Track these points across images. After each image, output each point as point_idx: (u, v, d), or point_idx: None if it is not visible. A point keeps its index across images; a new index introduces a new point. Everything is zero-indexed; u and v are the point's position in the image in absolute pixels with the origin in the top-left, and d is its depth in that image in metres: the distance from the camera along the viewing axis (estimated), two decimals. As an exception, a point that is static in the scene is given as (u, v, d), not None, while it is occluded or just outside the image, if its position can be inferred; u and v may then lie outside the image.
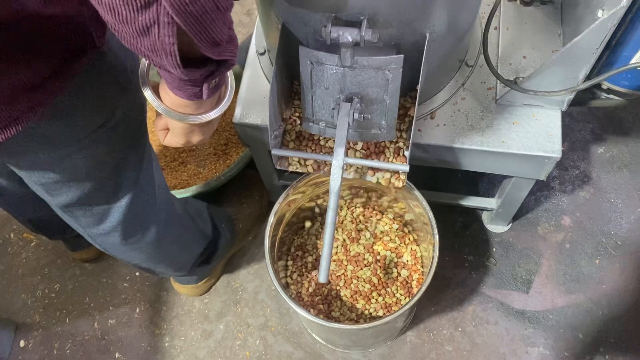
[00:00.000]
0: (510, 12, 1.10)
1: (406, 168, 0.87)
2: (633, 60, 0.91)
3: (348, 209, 1.24)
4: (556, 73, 0.91)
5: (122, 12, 0.45)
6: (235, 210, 1.37)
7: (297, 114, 0.98)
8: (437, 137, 1.00)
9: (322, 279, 0.83)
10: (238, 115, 1.05)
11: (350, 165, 0.95)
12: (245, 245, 1.41)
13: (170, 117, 0.64)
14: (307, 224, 1.25)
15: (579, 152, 1.43)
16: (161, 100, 0.64)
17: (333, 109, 0.87)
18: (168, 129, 0.71)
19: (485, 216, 1.37)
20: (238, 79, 1.16)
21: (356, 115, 0.84)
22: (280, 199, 1.10)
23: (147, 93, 0.65)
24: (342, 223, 1.23)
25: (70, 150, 0.72)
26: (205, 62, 0.55)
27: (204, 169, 1.50)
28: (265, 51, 1.09)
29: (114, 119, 0.73)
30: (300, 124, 0.96)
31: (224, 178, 1.33)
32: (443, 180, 1.39)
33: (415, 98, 0.88)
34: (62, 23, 0.56)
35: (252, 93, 1.07)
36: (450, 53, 0.96)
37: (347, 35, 0.77)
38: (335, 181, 0.85)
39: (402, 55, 0.81)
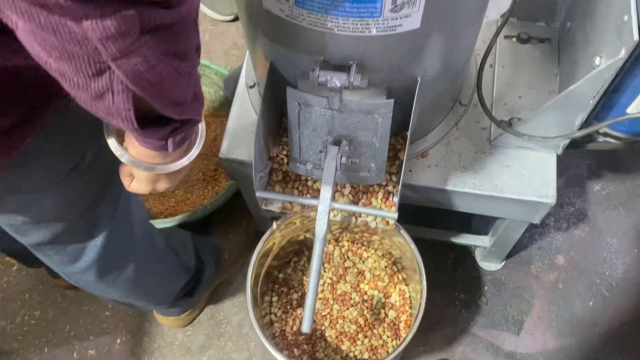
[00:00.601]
0: (506, 50, 1.07)
1: (394, 215, 0.83)
2: (630, 108, 0.88)
3: (337, 243, 1.21)
4: (551, 118, 0.89)
5: (73, 79, 0.42)
6: (222, 239, 1.34)
7: (284, 152, 0.95)
8: (428, 178, 0.97)
9: (305, 328, 0.79)
10: (224, 149, 1.02)
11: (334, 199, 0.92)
12: (231, 275, 1.37)
13: (135, 167, 0.61)
14: (295, 258, 1.22)
15: (575, 188, 1.40)
16: (126, 150, 0.61)
17: (320, 151, 0.84)
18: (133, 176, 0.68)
19: (478, 253, 1.34)
20: (227, 105, 1.13)
21: (344, 160, 0.81)
22: (266, 235, 1.06)
23: (111, 141, 0.61)
24: (329, 260, 1.19)
25: (38, 195, 0.68)
26: (168, 120, 0.52)
27: (192, 195, 1.47)
28: (255, 84, 1.06)
29: (86, 162, 0.70)
30: (288, 163, 0.93)
31: (211, 207, 1.30)
32: (435, 215, 1.36)
33: (407, 139, 0.85)
34: (27, 74, 0.53)
35: (239, 127, 1.04)
36: (443, 93, 0.94)
37: (336, 80, 0.74)
38: (321, 227, 0.82)
39: (392, 100, 0.78)
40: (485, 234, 1.28)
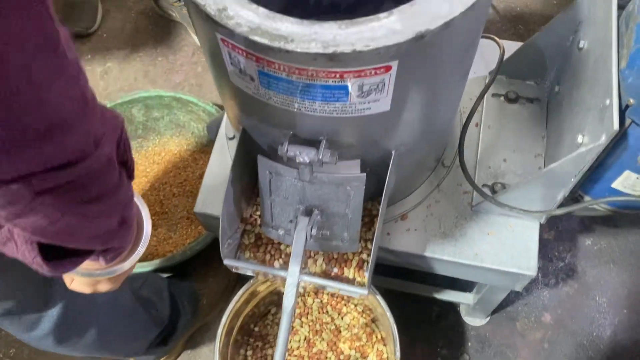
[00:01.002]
0: (493, 109, 1.05)
1: (364, 292, 0.80)
2: (615, 183, 0.85)
3: (316, 295, 1.18)
4: (533, 192, 0.86)
5: None
6: (201, 284, 1.31)
7: (258, 213, 0.92)
8: (406, 243, 0.94)
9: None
10: (199, 203, 0.99)
11: (307, 265, 0.89)
12: (209, 320, 1.34)
13: (72, 273, 0.58)
14: (274, 309, 1.19)
15: (566, 242, 1.37)
16: None
17: (290, 221, 0.82)
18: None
19: (462, 307, 1.31)
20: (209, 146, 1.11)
21: (314, 231, 0.79)
22: (243, 290, 1.04)
23: None
24: (307, 314, 1.16)
25: None
26: (89, 251, 0.48)
27: (174, 234, 1.44)
28: (234, 136, 1.03)
29: None
30: (261, 225, 0.90)
31: (190, 253, 1.27)
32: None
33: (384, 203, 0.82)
34: None
35: (217, 180, 1.01)
36: (423, 158, 0.91)
37: (305, 156, 0.71)
38: (288, 300, 0.79)
39: (364, 174, 0.75)
40: (470, 291, 1.25)
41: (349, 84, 0.60)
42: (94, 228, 0.44)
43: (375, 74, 0.59)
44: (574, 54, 0.89)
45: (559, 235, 1.37)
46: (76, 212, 0.41)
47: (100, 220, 0.44)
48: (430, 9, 0.56)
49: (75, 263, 0.48)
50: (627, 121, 0.73)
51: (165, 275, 1.35)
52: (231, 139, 1.04)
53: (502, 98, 1.05)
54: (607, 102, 0.69)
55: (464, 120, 0.97)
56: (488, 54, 1.10)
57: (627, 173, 0.81)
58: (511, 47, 1.09)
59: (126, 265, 0.61)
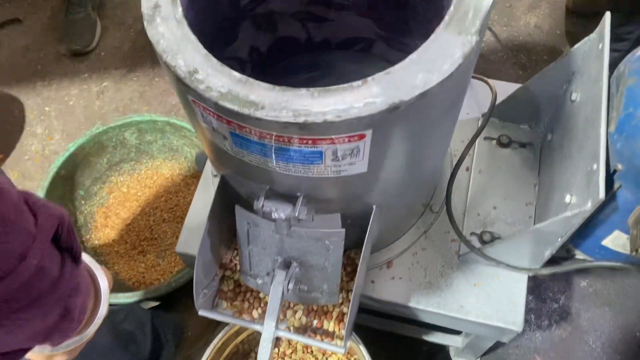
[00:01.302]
0: (485, 153, 1.02)
1: (341, 351, 0.78)
2: (606, 241, 0.83)
3: (302, 333, 1.15)
4: (520, 247, 0.83)
5: None
6: (186, 316, 1.29)
7: (238, 257, 0.90)
8: (390, 292, 0.92)
9: None
10: (181, 243, 0.98)
11: (286, 317, 0.87)
12: (193, 353, 1.32)
13: None
14: (257, 349, 1.16)
15: (561, 283, 1.33)
16: None
17: (267, 274, 0.79)
18: None
19: (452, 348, 1.28)
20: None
21: (291, 286, 0.76)
22: (227, 327, 1.02)
23: None
24: (292, 351, 1.14)
25: None
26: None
27: (163, 261, 1.43)
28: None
29: None
30: (239, 273, 0.88)
31: (175, 285, 1.26)
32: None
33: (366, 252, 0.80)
34: None
35: (200, 218, 0.99)
36: (408, 208, 0.89)
37: (281, 212, 0.69)
38: (263, 355, 0.77)
39: (343, 230, 0.73)
40: (459, 334, 1.22)
41: (322, 150, 0.58)
42: (28, 331, 0.42)
43: (349, 141, 0.57)
44: (567, 105, 0.86)
45: (554, 276, 1.34)
46: (3, 324, 0.39)
47: (35, 322, 0.42)
48: (406, 78, 0.54)
49: (16, 357, 0.46)
50: (616, 184, 0.70)
51: (151, 303, 1.33)
52: (215, 176, 1.02)
53: (494, 142, 1.03)
54: (595, 166, 0.67)
55: (454, 164, 0.95)
56: (481, 95, 1.08)
57: (617, 233, 0.79)
58: (505, 88, 1.06)
59: (83, 337, 0.59)
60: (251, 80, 0.56)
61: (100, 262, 1.42)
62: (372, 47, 1.01)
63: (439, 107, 0.61)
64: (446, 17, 0.57)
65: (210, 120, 0.60)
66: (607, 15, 0.75)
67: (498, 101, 1.00)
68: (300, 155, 0.59)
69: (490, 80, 1.02)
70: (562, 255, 0.98)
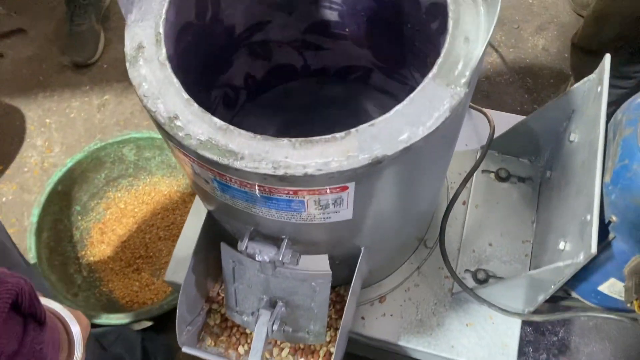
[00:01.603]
0: (482, 187, 1.00)
1: (325, 395, 0.76)
2: (602, 287, 0.80)
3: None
4: (514, 291, 0.81)
5: None
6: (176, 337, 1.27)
7: (226, 290, 0.88)
8: (381, 329, 0.90)
9: None
10: (170, 271, 0.96)
11: (272, 355, 0.85)
12: (185, 375, 1.31)
13: None
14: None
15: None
16: None
17: (252, 313, 0.78)
18: None
19: (446, 379, 1.25)
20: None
21: (275, 327, 0.75)
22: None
23: None
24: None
25: None
26: None
27: (157, 279, 1.41)
28: (210, 201, 1.00)
29: None
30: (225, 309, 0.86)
31: (167, 307, 1.24)
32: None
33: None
34: None
35: (190, 247, 0.97)
36: (399, 247, 0.87)
37: (264, 255, 0.68)
38: (245, 396, 0.75)
39: (330, 272, 0.72)
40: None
41: (305, 200, 0.56)
42: None
43: (332, 192, 0.55)
44: (566, 145, 0.84)
45: (553, 308, 1.31)
46: None
47: None
48: (390, 132, 0.52)
49: None
50: (611, 235, 0.68)
51: (144, 322, 1.31)
52: (208, 203, 1.01)
53: (493, 175, 1.00)
54: (588, 217, 0.65)
55: (450, 197, 0.93)
56: (481, 126, 1.06)
57: (613, 280, 0.76)
58: (506, 119, 1.04)
59: None
60: (231, 128, 0.54)
61: (95, 279, 1.41)
62: (370, 77, 0.99)
63: (426, 158, 0.59)
64: (435, 67, 0.55)
65: (192, 165, 0.59)
66: (607, 58, 0.73)
67: (498, 133, 0.98)
68: (282, 203, 0.58)
69: (489, 112, 1.00)
70: (560, 295, 0.96)
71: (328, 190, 0.55)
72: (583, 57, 1.27)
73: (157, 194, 1.53)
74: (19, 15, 1.89)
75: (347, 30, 0.91)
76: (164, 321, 1.31)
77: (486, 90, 1.66)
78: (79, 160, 1.41)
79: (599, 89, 0.73)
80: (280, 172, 0.51)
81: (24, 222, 1.54)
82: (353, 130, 0.53)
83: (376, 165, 0.52)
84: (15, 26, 1.86)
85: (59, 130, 1.68)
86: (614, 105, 1.08)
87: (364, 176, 0.53)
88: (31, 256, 1.30)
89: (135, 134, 1.45)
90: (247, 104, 1.00)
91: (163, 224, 1.48)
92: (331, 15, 0.88)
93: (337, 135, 0.53)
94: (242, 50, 0.89)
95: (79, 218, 1.47)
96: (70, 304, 1.25)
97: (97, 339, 1.11)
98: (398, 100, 0.54)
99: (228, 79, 0.91)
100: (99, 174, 1.48)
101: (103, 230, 1.48)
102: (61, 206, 1.43)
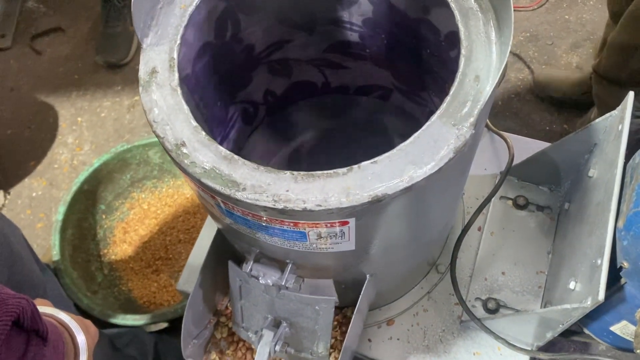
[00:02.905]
0: (499, 214, 0.98)
1: (325, 417, 0.76)
2: (614, 327, 0.78)
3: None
4: (522, 326, 0.80)
5: None
6: (191, 342, 1.29)
7: (235, 304, 0.89)
8: (387, 352, 0.90)
9: None
10: (182, 281, 0.98)
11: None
12: (197, 379, 1.32)
13: None
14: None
15: (577, 345, 1.27)
16: None
17: (256, 332, 0.78)
18: None
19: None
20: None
21: (278, 347, 0.75)
22: None
23: None
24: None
25: None
26: None
27: (175, 281, 1.44)
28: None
29: None
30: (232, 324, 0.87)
31: (182, 311, 1.26)
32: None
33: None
34: None
35: (204, 257, 0.99)
36: (408, 273, 0.86)
37: (268, 278, 0.68)
38: (245, 414, 0.76)
39: (334, 298, 0.71)
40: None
41: (306, 232, 0.57)
42: None
43: (332, 226, 0.55)
44: (585, 179, 0.82)
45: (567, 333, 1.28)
46: None
47: None
48: (392, 170, 0.52)
49: None
50: (622, 280, 0.66)
51: (160, 324, 1.34)
52: (224, 215, 1.02)
53: (510, 202, 0.99)
54: (599, 262, 0.63)
55: (465, 222, 0.92)
56: (501, 151, 1.04)
57: (624, 322, 0.74)
58: (528, 145, 1.02)
59: None
60: (236, 158, 0.55)
61: (115, 278, 1.45)
62: (390, 97, 0.99)
63: (430, 196, 0.58)
64: (443, 105, 0.55)
65: (197, 190, 0.60)
66: (631, 96, 0.71)
67: (520, 158, 0.97)
68: (284, 232, 0.58)
69: (509, 137, 0.98)
70: (573, 330, 0.93)
71: (328, 225, 0.55)
72: (608, 86, 1.24)
73: (180, 197, 1.55)
74: (58, 14, 1.95)
75: (367, 51, 0.90)
76: (178, 324, 1.33)
77: (515, 108, 1.63)
78: (105, 161, 1.44)
79: (619, 127, 0.71)
80: (280, 205, 0.52)
81: (52, 217, 1.58)
82: (355, 166, 0.53)
83: (376, 204, 0.52)
84: (54, 25, 1.91)
85: (89, 129, 1.72)
86: (636, 135, 1.05)
87: (364, 213, 0.53)
88: (55, 253, 1.34)
89: (161, 138, 1.47)
90: (267, 119, 1.01)
91: (184, 226, 1.50)
92: (351, 36, 0.88)
93: (339, 170, 0.53)
94: (262, 68, 0.90)
95: (103, 217, 1.51)
96: (89, 302, 1.29)
97: (111, 339, 1.13)
98: (417, 121, 0.54)
99: (247, 94, 0.92)
100: (125, 175, 1.51)
101: (126, 229, 1.51)
102: (86, 205, 1.47)
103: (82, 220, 1.46)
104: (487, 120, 1.05)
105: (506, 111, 1.62)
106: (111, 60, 1.78)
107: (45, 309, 0.60)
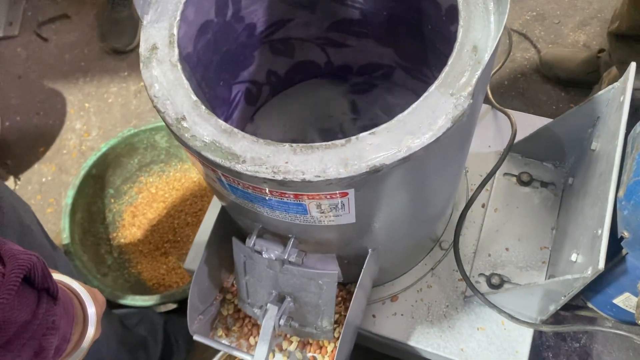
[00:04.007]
0: (503, 190, 0.98)
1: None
2: (617, 300, 0.78)
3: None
4: (525, 300, 0.80)
5: None
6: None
7: (240, 282, 0.91)
8: (391, 328, 0.91)
9: None
10: (189, 259, 0.99)
11: (282, 349, 0.87)
12: (205, 357, 1.35)
13: None
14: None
15: (584, 321, 1.28)
16: None
17: (261, 307, 0.80)
18: None
19: (461, 379, 1.25)
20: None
21: (282, 321, 0.76)
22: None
23: None
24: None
25: None
26: None
27: (183, 263, 1.45)
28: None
29: None
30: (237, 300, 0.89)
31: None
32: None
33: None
34: None
35: (214, 237, 1.00)
36: (411, 249, 0.87)
37: (271, 253, 0.70)
38: (251, 387, 0.77)
39: (336, 272, 0.72)
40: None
41: (306, 204, 0.57)
42: None
43: (332, 197, 0.56)
44: (588, 153, 0.82)
45: (576, 316, 1.28)
46: None
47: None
48: (390, 141, 0.52)
49: None
50: (623, 250, 0.66)
51: (169, 305, 1.36)
52: (229, 195, 1.03)
53: (514, 179, 0.99)
54: (599, 232, 0.63)
55: (469, 199, 0.92)
56: (505, 128, 1.04)
57: (627, 294, 0.74)
58: (532, 121, 1.02)
59: None
60: (235, 131, 0.55)
61: (125, 261, 1.47)
62: (393, 75, 0.99)
63: (429, 166, 0.59)
64: (441, 75, 0.55)
65: (199, 164, 0.61)
66: (632, 66, 0.70)
67: (523, 135, 0.96)
68: (285, 205, 0.59)
69: (512, 114, 0.98)
70: (577, 304, 0.94)
71: (328, 196, 0.55)
72: (634, 45, 1.22)
73: (187, 180, 1.56)
74: (64, 1, 1.96)
75: (369, 28, 0.90)
76: (187, 306, 1.35)
77: (521, 88, 1.62)
78: (113, 146, 1.46)
79: (621, 99, 0.70)
80: (280, 177, 0.52)
81: (61, 202, 1.60)
82: (353, 137, 0.53)
83: (374, 174, 0.52)
84: (60, 12, 1.92)
85: (97, 114, 1.73)
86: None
87: (363, 184, 0.54)
88: (65, 236, 1.36)
89: (167, 122, 1.48)
90: (270, 100, 1.02)
91: (191, 209, 1.52)
92: (353, 13, 0.88)
93: (338, 142, 0.53)
94: (264, 47, 0.90)
95: (112, 201, 1.53)
96: (99, 284, 1.31)
97: (121, 319, 1.15)
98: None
99: (249, 74, 0.92)
100: (132, 159, 1.53)
101: (134, 213, 1.53)
102: (95, 189, 1.48)
103: (91, 204, 1.47)
104: (491, 97, 1.05)
105: (512, 91, 1.61)
106: (117, 46, 1.79)
107: (56, 274, 0.61)
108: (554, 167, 0.99)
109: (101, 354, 1.00)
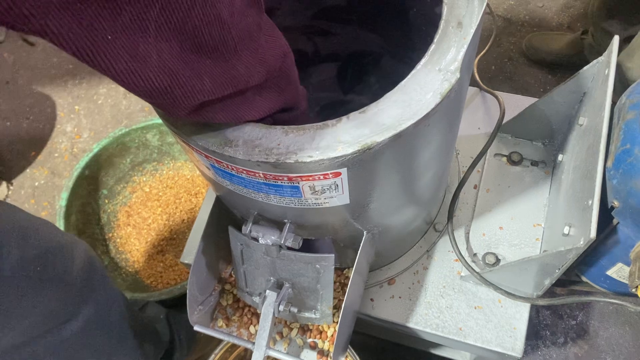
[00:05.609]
0: (494, 170, 1.00)
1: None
2: (610, 271, 0.80)
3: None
4: (521, 275, 0.81)
5: None
6: (200, 317, 1.32)
7: (238, 272, 0.91)
8: (389, 311, 0.91)
9: None
10: (186, 253, 1.00)
11: (283, 336, 0.88)
12: (207, 353, 1.35)
13: None
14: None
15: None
16: None
17: (260, 294, 0.80)
18: None
19: (461, 361, 1.26)
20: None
21: (281, 307, 0.77)
22: (221, 347, 1.03)
23: None
24: None
25: None
26: None
27: (180, 258, 1.46)
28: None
29: None
30: (236, 289, 0.89)
31: (189, 288, 1.28)
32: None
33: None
34: None
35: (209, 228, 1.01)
36: (405, 231, 0.88)
37: (267, 238, 0.70)
38: (253, 374, 0.78)
39: (332, 255, 0.73)
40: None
41: (300, 186, 0.58)
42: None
43: (325, 178, 0.56)
44: (576, 128, 0.83)
45: (572, 292, 1.30)
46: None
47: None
48: (380, 119, 0.53)
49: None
50: (614, 220, 0.68)
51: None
52: (223, 188, 1.03)
53: (505, 159, 1.00)
54: (590, 202, 0.64)
55: (460, 180, 0.93)
56: (494, 109, 1.05)
57: (620, 265, 0.76)
58: (520, 102, 1.03)
59: None
60: (227, 116, 0.56)
61: (121, 260, 1.47)
62: (380, 61, 0.99)
63: (420, 144, 0.59)
64: (427, 52, 0.56)
65: (191, 151, 0.61)
66: (616, 40, 0.71)
67: (512, 115, 0.98)
68: (279, 188, 0.59)
69: (500, 95, 0.99)
70: (571, 280, 0.95)
71: (321, 176, 0.56)
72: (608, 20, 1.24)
73: (181, 178, 1.57)
74: (49, 5, 1.95)
75: (354, 15, 0.91)
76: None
77: (509, 72, 1.63)
78: (104, 146, 1.46)
79: (606, 72, 0.71)
80: (272, 159, 0.53)
81: (55, 205, 1.60)
82: (344, 117, 0.54)
83: (366, 152, 0.53)
84: (45, 15, 1.91)
85: (87, 116, 1.73)
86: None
87: (355, 162, 0.54)
88: (60, 238, 1.36)
89: (158, 120, 1.48)
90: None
91: (186, 207, 1.52)
92: (339, 0, 0.88)
93: (329, 122, 0.54)
94: (252, 37, 0.90)
95: (106, 201, 1.53)
96: (97, 284, 1.31)
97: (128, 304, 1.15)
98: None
99: (239, 65, 0.92)
100: (125, 159, 1.53)
101: (129, 213, 1.53)
102: (89, 190, 1.48)
103: (86, 205, 1.47)
104: (479, 79, 1.06)
105: (500, 75, 1.63)
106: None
107: None
108: (543, 145, 1.00)
109: (115, 330, 1.00)
